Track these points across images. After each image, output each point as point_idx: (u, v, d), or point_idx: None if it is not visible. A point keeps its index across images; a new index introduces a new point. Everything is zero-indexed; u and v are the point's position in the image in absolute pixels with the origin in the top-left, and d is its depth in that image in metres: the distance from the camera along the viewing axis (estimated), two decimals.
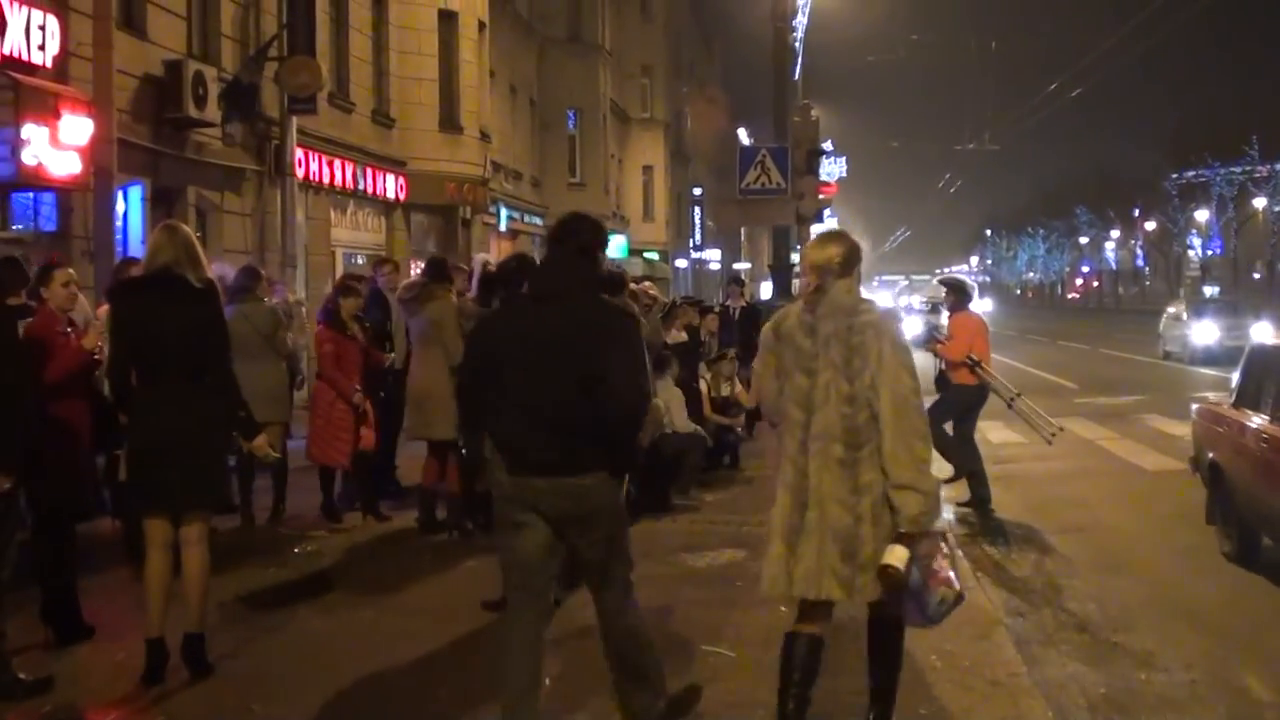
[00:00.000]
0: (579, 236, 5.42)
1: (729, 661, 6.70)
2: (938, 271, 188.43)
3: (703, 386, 13.16)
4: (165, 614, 6.34)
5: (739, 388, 13.72)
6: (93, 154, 13.64)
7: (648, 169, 51.52)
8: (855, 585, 4.92)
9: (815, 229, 30.40)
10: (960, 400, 11.96)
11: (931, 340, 12.31)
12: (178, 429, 6.29)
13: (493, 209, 31.37)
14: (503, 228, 33.06)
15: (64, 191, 14.05)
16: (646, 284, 13.83)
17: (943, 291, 13.45)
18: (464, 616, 7.62)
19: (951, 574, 5.01)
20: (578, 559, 5.37)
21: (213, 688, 6.30)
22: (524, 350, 5.20)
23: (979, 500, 11.83)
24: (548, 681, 6.33)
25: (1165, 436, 16.77)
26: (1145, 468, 14.43)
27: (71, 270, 7.66)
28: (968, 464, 11.99)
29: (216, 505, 6.95)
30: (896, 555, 4.84)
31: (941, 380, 12.11)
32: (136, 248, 14.80)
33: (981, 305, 45.47)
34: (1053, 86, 59.02)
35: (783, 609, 7.47)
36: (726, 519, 10.63)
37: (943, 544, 5.07)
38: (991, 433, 18.17)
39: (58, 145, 13.06)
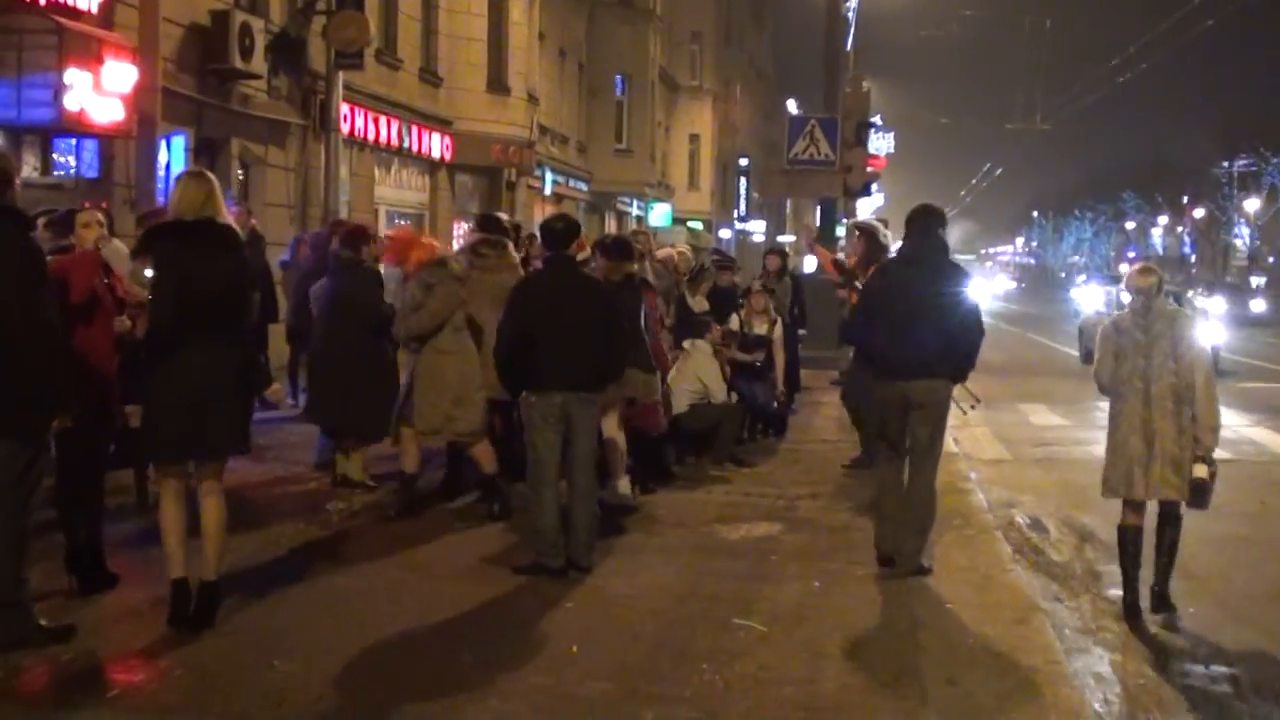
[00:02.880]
0: (932, 219, 8.05)
1: (759, 636, 6.57)
2: (983, 251, 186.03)
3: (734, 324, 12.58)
4: (187, 555, 6.35)
5: (774, 331, 12.73)
6: (136, 102, 13.55)
7: (694, 137, 51.21)
8: (1181, 490, 7.50)
9: (862, 203, 30.20)
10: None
11: (849, 286, 11.48)
12: (213, 378, 6.26)
13: (538, 172, 31.23)
14: (547, 191, 32.90)
15: (106, 138, 14.00)
16: (672, 250, 12.93)
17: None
18: (493, 580, 7.52)
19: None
20: (911, 437, 7.86)
21: (234, 642, 6.24)
22: (906, 295, 7.80)
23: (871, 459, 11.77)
24: (574, 649, 6.26)
25: None
26: None
27: (97, 213, 7.59)
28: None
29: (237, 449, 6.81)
30: (1202, 470, 7.48)
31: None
32: None
33: (1212, 305, 35.09)
34: (1106, 68, 58.22)
35: (815, 584, 7.42)
36: (763, 491, 10.42)
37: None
38: (1034, 415, 17.96)
39: (100, 91, 12.99)
